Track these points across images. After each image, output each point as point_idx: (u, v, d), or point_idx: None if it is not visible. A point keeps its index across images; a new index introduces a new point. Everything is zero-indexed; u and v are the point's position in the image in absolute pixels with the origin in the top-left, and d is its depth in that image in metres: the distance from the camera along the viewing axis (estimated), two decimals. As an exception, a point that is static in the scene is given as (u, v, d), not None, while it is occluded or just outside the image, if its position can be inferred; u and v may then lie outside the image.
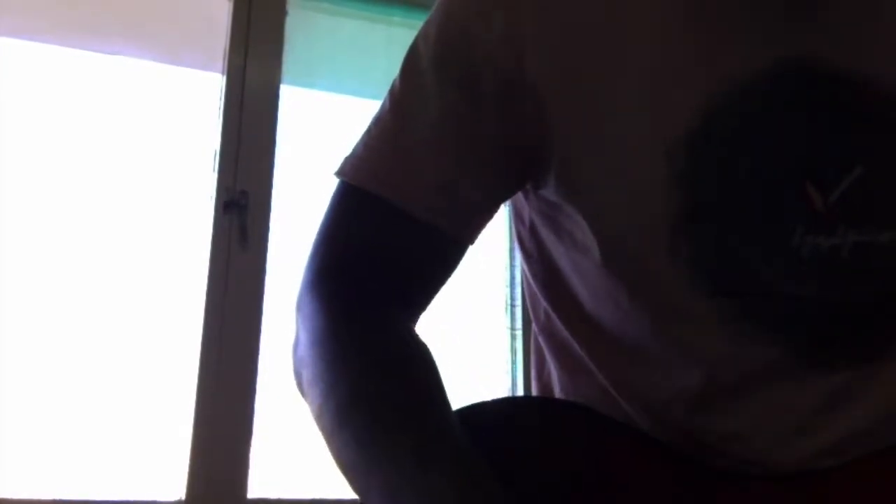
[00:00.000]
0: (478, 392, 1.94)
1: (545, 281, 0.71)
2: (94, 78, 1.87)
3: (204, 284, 1.71)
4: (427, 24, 0.66)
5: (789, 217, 0.58)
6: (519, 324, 2.01)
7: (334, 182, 0.66)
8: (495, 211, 0.67)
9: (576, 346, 0.69)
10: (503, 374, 2.01)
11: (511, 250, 2.09)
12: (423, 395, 0.56)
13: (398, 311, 0.63)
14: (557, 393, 0.73)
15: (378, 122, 0.66)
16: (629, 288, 0.63)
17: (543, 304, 0.72)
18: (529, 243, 0.72)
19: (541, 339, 0.75)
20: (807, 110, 0.59)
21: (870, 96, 0.59)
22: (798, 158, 0.58)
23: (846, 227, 0.58)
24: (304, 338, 0.61)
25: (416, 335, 0.62)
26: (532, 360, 0.78)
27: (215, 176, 1.78)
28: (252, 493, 1.64)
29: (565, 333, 0.70)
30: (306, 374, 0.60)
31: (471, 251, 0.67)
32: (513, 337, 2.03)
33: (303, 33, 2.00)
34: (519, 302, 2.04)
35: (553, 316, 0.71)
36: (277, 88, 1.90)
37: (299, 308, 0.63)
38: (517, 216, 0.74)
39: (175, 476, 1.61)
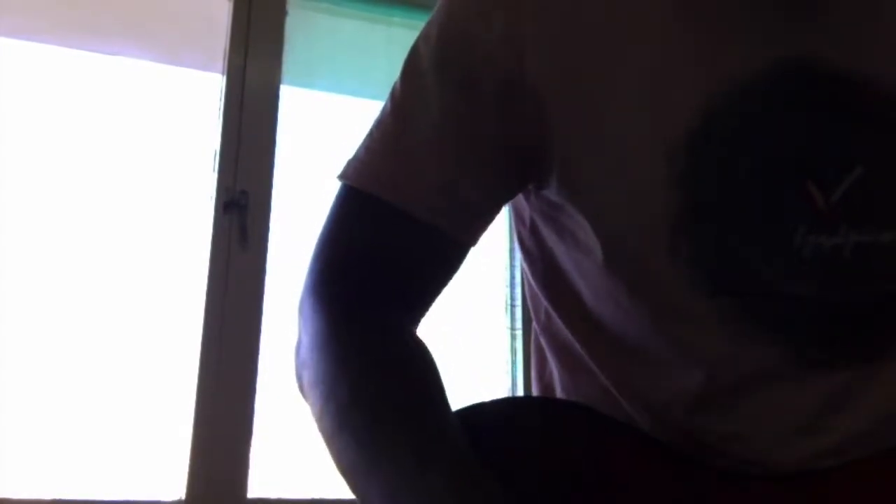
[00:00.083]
0: (478, 392, 1.94)
1: (546, 281, 0.71)
2: (94, 78, 1.87)
3: (204, 284, 1.71)
4: (428, 25, 0.66)
5: (790, 217, 0.58)
6: (519, 324, 2.01)
7: (335, 183, 0.66)
8: (496, 212, 0.67)
9: (576, 345, 0.69)
10: (503, 374, 2.01)
11: (511, 250, 2.09)
12: (423, 397, 0.56)
13: (400, 313, 0.63)
14: (558, 392, 0.73)
15: (379, 124, 0.66)
16: (629, 288, 0.63)
17: (544, 303, 0.72)
18: (530, 243, 0.72)
19: (542, 339, 0.75)
20: (807, 110, 0.59)
21: (870, 96, 0.59)
22: (798, 158, 0.58)
23: (848, 226, 0.58)
24: (305, 341, 0.61)
25: (417, 337, 0.62)
26: (533, 359, 0.79)
27: (215, 176, 1.78)
28: (252, 493, 1.64)
29: (566, 333, 0.70)
30: (307, 377, 0.60)
31: (471, 251, 0.67)
32: (513, 337, 2.03)
33: (303, 33, 2.00)
34: (519, 302, 2.04)
35: (554, 316, 0.71)
36: (277, 88, 1.90)
37: (301, 311, 0.63)
38: (517, 216, 0.74)
39: (175, 476, 1.61)
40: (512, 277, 2.07)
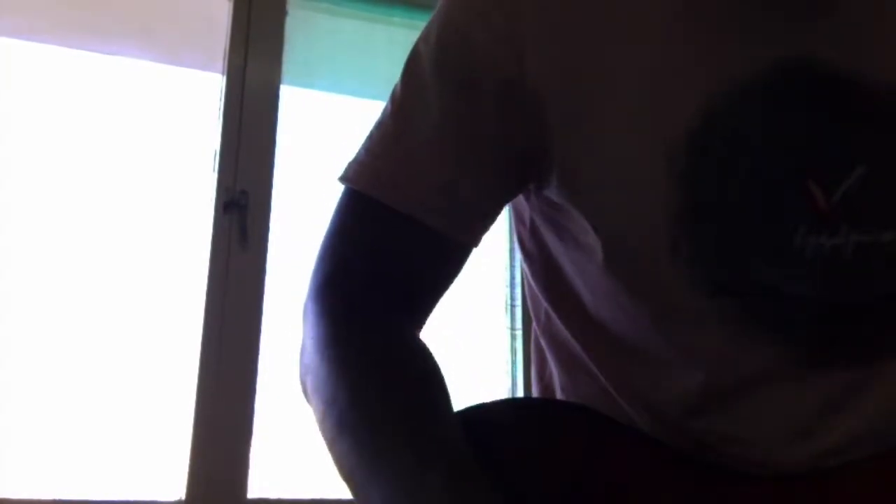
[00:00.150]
0: (478, 392, 1.94)
1: (546, 281, 0.71)
2: (94, 78, 1.87)
3: (204, 284, 1.71)
4: (429, 26, 0.66)
5: (790, 217, 0.58)
6: (519, 324, 2.01)
7: (335, 183, 0.66)
8: (497, 213, 0.67)
9: (576, 346, 0.69)
10: (503, 374, 2.01)
11: (511, 250, 2.09)
12: (424, 399, 0.56)
13: (402, 315, 0.63)
14: (558, 393, 0.73)
15: (380, 126, 0.66)
16: (629, 288, 0.63)
17: (544, 304, 0.72)
18: (530, 244, 0.72)
19: (542, 340, 0.75)
20: (807, 110, 0.59)
21: (870, 96, 0.59)
22: (798, 158, 0.58)
23: (849, 227, 0.58)
24: (309, 345, 0.61)
25: (420, 339, 0.62)
26: (532, 360, 0.79)
27: (215, 176, 1.78)
28: (252, 493, 1.64)
29: (566, 334, 0.70)
30: (310, 381, 0.60)
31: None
32: (513, 337, 2.03)
33: (303, 33, 2.01)
34: (519, 302, 2.04)
35: (554, 316, 0.71)
36: (277, 88, 1.90)
37: (305, 315, 0.63)
38: (517, 217, 0.74)
39: (175, 476, 1.61)
40: (512, 277, 2.07)
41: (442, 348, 0.61)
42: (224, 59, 1.88)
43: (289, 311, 1.68)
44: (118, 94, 1.86)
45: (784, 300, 0.59)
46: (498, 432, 0.59)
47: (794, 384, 0.60)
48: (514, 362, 2.01)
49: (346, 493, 0.54)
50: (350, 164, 0.65)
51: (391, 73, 0.67)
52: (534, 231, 0.71)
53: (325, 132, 2.01)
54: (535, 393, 0.78)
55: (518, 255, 1.16)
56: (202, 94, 1.91)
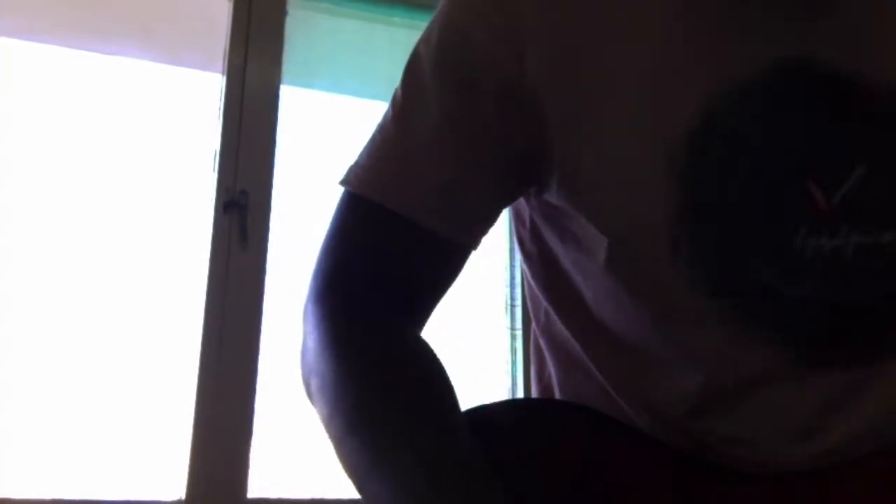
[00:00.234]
0: (478, 392, 1.94)
1: (546, 282, 0.71)
2: (94, 78, 1.87)
3: (204, 284, 1.71)
4: (429, 27, 0.66)
5: (790, 217, 0.58)
6: (519, 324, 2.01)
7: (335, 183, 0.66)
8: (497, 214, 0.67)
9: (576, 346, 0.69)
10: (503, 374, 2.01)
11: (511, 250, 2.09)
12: (427, 398, 0.56)
13: (403, 317, 0.63)
14: (557, 393, 0.73)
15: (381, 129, 0.66)
16: (630, 288, 0.63)
17: (544, 304, 0.72)
18: (530, 244, 0.72)
19: (541, 340, 0.75)
20: (807, 110, 0.59)
21: (870, 96, 0.59)
22: (798, 158, 0.58)
23: (849, 227, 0.58)
24: (311, 346, 0.62)
25: (421, 339, 0.62)
26: (532, 360, 0.79)
27: (215, 176, 1.78)
28: (252, 493, 1.64)
29: (566, 334, 0.70)
30: (315, 383, 0.60)
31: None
32: (513, 337, 2.03)
33: (303, 33, 2.01)
34: (519, 302, 2.04)
35: (554, 317, 0.71)
36: (277, 88, 1.90)
37: (306, 317, 0.63)
38: (517, 218, 0.74)
39: (175, 476, 1.61)
40: (512, 277, 2.08)
41: (442, 348, 0.61)
42: (224, 59, 1.88)
43: (289, 312, 1.68)
44: (118, 94, 1.87)
45: (784, 300, 0.59)
46: (498, 433, 0.59)
47: (793, 384, 0.60)
48: (514, 362, 2.01)
49: (346, 493, 0.54)
50: (351, 168, 0.66)
51: (391, 73, 0.67)
52: (534, 232, 0.71)
53: (325, 132, 2.01)
54: (534, 393, 0.78)
55: (518, 255, 1.16)
56: (202, 94, 1.91)
